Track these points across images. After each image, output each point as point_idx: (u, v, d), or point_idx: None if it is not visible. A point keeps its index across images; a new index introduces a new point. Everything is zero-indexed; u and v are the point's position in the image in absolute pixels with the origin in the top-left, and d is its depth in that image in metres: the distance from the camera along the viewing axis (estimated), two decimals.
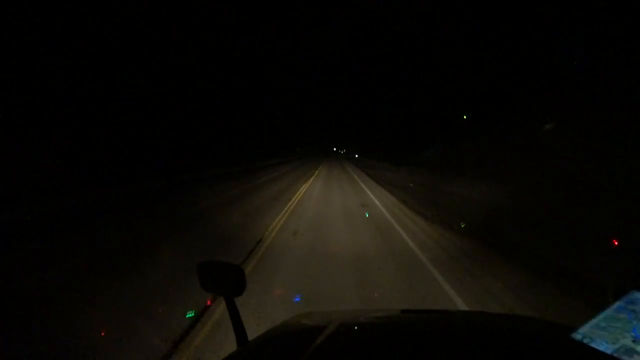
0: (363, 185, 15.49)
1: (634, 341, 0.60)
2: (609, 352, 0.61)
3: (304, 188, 13.67)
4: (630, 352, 0.59)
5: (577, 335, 0.67)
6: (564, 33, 11.43)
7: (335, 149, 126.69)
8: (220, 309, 3.10)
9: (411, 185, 14.80)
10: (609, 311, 0.68)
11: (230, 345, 1.38)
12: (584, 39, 10.19)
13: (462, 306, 3.27)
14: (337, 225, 6.83)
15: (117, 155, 13.37)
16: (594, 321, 0.68)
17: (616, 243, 4.42)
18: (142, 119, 16.05)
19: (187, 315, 3.03)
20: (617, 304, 0.68)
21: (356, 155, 58.69)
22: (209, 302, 3.25)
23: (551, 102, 11.25)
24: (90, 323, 2.84)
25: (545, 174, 8.53)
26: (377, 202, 10.33)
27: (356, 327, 1.05)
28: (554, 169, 8.46)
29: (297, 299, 3.40)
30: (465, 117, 19.76)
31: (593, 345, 0.63)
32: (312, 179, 18.37)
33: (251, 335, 1.06)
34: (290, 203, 9.69)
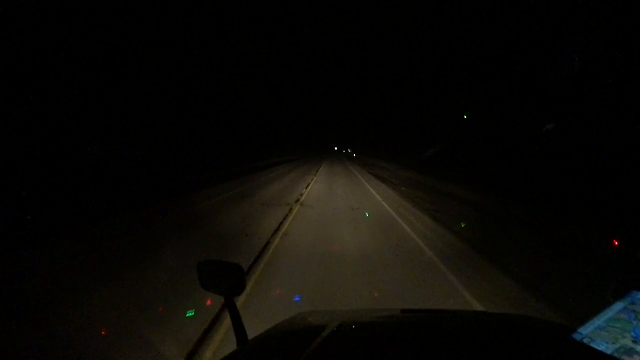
0: None
1: (634, 341, 0.60)
2: (609, 352, 0.61)
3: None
4: (631, 352, 0.59)
5: (577, 336, 0.67)
6: (563, 34, 11.42)
7: (336, 148, 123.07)
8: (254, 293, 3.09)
9: None
10: (609, 311, 0.68)
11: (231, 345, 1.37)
12: (583, 40, 10.18)
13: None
14: None
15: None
16: (594, 321, 0.67)
17: (617, 243, 4.42)
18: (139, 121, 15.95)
19: (188, 315, 3.02)
20: (617, 304, 0.68)
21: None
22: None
23: (551, 102, 11.24)
24: None
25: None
26: None
27: (356, 327, 1.05)
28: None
29: (297, 299, 3.39)
30: (465, 117, 19.76)
31: (593, 345, 0.63)
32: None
33: (251, 334, 1.06)
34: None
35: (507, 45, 14.66)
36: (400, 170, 20.25)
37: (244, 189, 12.11)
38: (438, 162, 18.08)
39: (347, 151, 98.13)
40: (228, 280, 1.10)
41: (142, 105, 16.35)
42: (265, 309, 3.14)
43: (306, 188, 12.64)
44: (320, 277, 3.89)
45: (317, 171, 22.72)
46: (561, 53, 11.07)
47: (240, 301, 3.20)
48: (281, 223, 6.67)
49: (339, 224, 6.74)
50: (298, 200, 9.50)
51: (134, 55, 16.00)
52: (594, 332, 0.65)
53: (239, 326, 1.05)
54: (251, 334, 1.06)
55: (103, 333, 2.76)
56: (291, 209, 8.15)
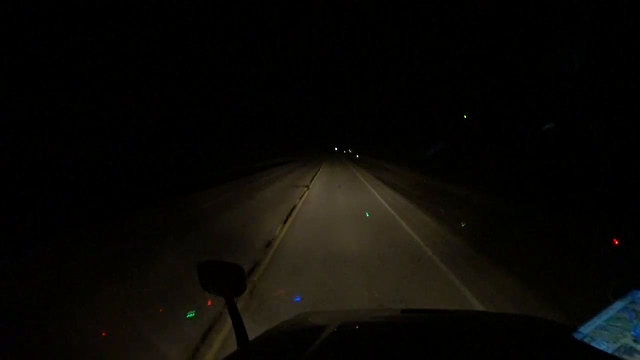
0: None
1: (635, 340, 0.60)
2: (609, 351, 0.61)
3: None
4: (631, 351, 0.59)
5: (577, 335, 0.67)
6: (563, 33, 11.42)
7: (336, 149, 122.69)
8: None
9: None
10: (609, 310, 0.68)
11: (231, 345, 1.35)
12: (584, 39, 10.19)
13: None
14: None
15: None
16: (594, 320, 0.67)
17: (617, 242, 4.42)
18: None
19: (188, 316, 3.02)
20: (617, 303, 0.68)
21: None
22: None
23: (551, 102, 11.24)
24: None
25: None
26: None
27: (356, 327, 1.05)
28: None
29: (298, 299, 3.39)
30: (465, 116, 19.77)
31: (594, 344, 0.63)
32: None
33: (251, 335, 1.06)
34: None
35: (506, 43, 14.66)
36: (406, 172, 18.68)
37: (192, 215, 8.10)
38: (440, 162, 18.00)
39: (347, 151, 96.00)
40: (228, 280, 1.09)
41: (137, 105, 16.27)
42: None
43: (284, 221, 6.98)
44: None
45: (313, 178, 17.88)
46: (561, 51, 11.07)
47: None
48: None
49: None
50: (255, 269, 4.24)
51: (133, 54, 15.99)
52: (595, 331, 0.65)
53: (239, 327, 1.05)
54: (251, 334, 1.06)
55: (103, 334, 2.76)
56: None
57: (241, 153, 29.00)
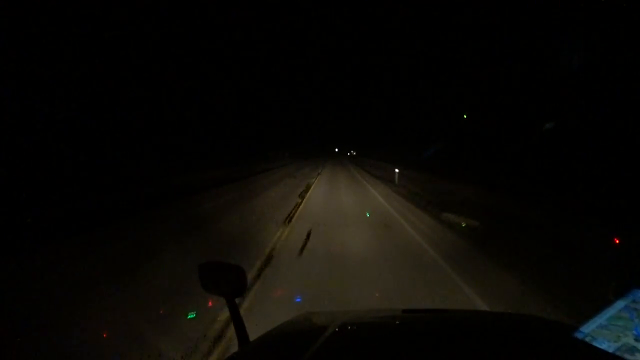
0: None
1: (636, 339, 0.60)
2: (610, 350, 0.61)
3: None
4: (632, 350, 0.59)
5: (579, 334, 0.67)
6: (563, 32, 11.42)
7: (337, 150, 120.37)
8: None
9: None
10: (611, 310, 0.68)
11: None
12: (583, 38, 10.17)
13: None
14: None
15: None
16: (596, 320, 0.67)
17: (617, 241, 4.41)
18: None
19: (189, 317, 3.02)
20: (619, 302, 0.68)
21: None
22: None
23: (551, 102, 11.23)
24: None
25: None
26: None
27: (357, 327, 1.05)
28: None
29: (299, 300, 3.40)
30: (465, 116, 19.76)
31: (595, 343, 0.63)
32: None
33: (252, 335, 1.06)
34: None
35: (506, 43, 14.65)
36: (407, 170, 15.74)
37: None
38: (443, 161, 17.83)
39: (350, 153, 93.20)
40: (229, 281, 1.10)
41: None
42: None
43: None
44: None
45: (296, 209, 8.23)
46: (561, 49, 11.06)
47: None
48: None
49: None
50: None
51: (126, 54, 15.77)
52: (596, 331, 0.65)
53: (240, 327, 1.05)
54: (252, 335, 1.06)
55: (104, 335, 2.76)
56: None
57: (230, 155, 26.68)
